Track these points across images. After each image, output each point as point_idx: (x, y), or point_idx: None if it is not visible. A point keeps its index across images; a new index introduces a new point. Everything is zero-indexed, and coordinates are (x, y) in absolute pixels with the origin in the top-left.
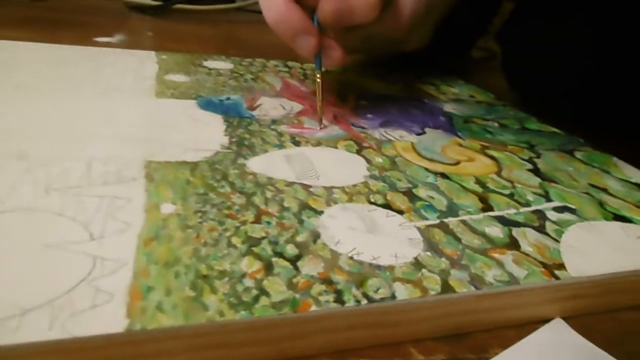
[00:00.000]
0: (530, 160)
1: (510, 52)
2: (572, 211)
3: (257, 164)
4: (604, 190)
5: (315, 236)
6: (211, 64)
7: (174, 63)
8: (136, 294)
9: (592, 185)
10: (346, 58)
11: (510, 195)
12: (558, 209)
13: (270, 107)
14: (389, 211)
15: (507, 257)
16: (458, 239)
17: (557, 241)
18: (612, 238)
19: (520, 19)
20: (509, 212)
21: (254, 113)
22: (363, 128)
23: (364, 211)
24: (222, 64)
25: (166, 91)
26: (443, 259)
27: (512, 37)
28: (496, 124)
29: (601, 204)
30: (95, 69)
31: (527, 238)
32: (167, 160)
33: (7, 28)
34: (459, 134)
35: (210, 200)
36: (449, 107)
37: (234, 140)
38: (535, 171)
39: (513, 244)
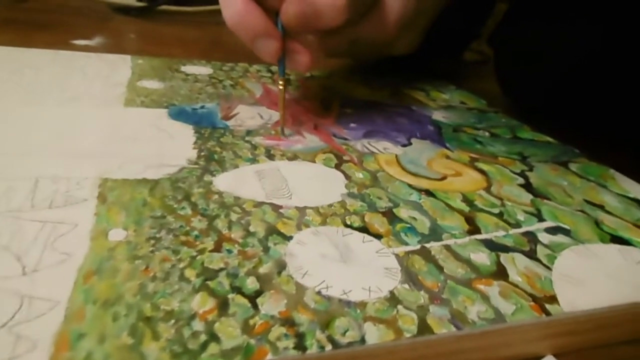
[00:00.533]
0: (522, 174)
1: (502, 55)
2: (565, 232)
3: (224, 182)
4: (601, 207)
5: (281, 267)
6: (189, 69)
7: (150, 68)
8: (63, 343)
9: (588, 202)
10: (315, 63)
11: (500, 215)
12: (551, 230)
13: (247, 116)
14: (366, 235)
15: (494, 288)
16: (440, 268)
17: (549, 268)
18: (608, 264)
19: (513, 20)
20: (497, 235)
21: (229, 123)
22: (345, 139)
23: (337, 236)
24: (201, 69)
25: (136, 99)
26: (422, 292)
27: (504, 38)
28: (487, 134)
29: (597, 224)
30: (62, 75)
31: (517, 265)
32: (124, 177)
33: None
34: (448, 145)
35: (166, 225)
36: (438, 115)
37: (202, 154)
38: (527, 186)
39: (500, 273)
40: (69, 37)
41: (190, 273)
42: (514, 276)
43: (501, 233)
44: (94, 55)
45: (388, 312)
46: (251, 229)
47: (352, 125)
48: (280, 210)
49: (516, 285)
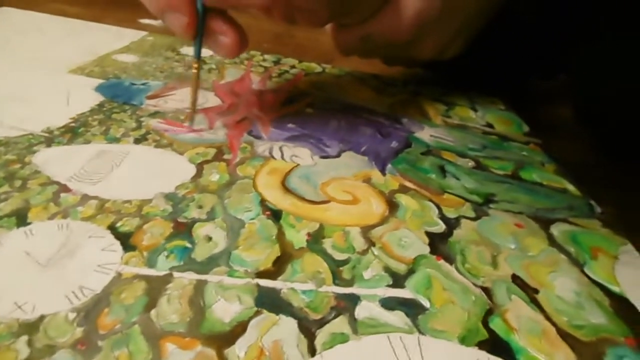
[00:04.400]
0: (450, 221)
1: (580, 76)
2: (416, 311)
3: (44, 156)
4: (534, 290)
5: None
6: (188, 50)
7: (150, 45)
8: None
9: (519, 280)
10: (241, 49)
11: (340, 262)
12: (392, 303)
13: (178, 99)
14: (105, 239)
15: (180, 352)
16: (147, 307)
17: None
18: None
19: (592, 35)
20: (298, 287)
21: (149, 102)
22: (258, 138)
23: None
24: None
25: (89, 68)
26: (77, 328)
27: (582, 56)
28: (471, 163)
29: (490, 313)
30: (54, 40)
31: (261, 336)
32: None
33: (66, 2)
34: (390, 166)
35: None
36: (425, 133)
37: (71, 124)
38: (439, 237)
39: (225, 338)
40: (138, 16)
41: None
42: (238, 351)
43: (306, 286)
44: (116, 29)
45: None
46: (1, 205)
47: (289, 125)
48: (62, 194)
49: None
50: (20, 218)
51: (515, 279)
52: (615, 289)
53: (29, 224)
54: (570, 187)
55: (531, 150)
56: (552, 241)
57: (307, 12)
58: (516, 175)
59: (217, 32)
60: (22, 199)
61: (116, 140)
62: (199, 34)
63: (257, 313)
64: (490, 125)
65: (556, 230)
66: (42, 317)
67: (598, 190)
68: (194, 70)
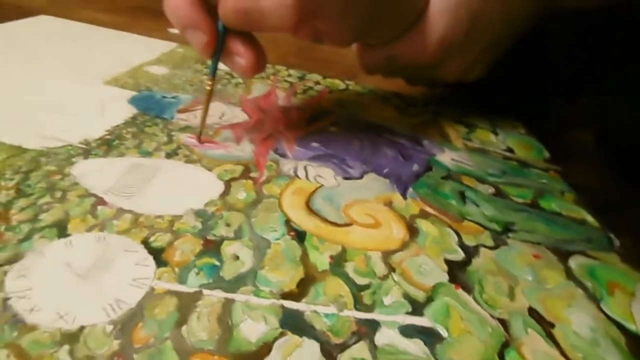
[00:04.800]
0: (469, 249)
1: (604, 96)
2: (433, 339)
3: (83, 168)
4: (550, 325)
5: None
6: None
7: (180, 57)
8: None
9: (535, 314)
10: (257, 70)
11: (361, 287)
12: (411, 331)
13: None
14: (139, 254)
15: None
16: (179, 323)
17: None
18: None
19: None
20: (320, 310)
21: (179, 116)
22: (283, 156)
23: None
24: None
25: (123, 79)
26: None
27: (609, 78)
28: (491, 190)
29: (507, 345)
30: (88, 50)
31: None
32: (4, 141)
33: (97, 10)
34: (411, 189)
35: None
36: (446, 156)
37: (107, 137)
38: (458, 266)
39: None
40: (167, 25)
41: None
42: None
43: (329, 310)
44: (146, 39)
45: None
46: (42, 216)
47: (313, 144)
48: (99, 206)
49: None
50: (61, 229)
51: (532, 312)
52: (631, 327)
53: (69, 235)
54: (589, 219)
55: (551, 177)
56: (569, 274)
57: (333, 34)
58: (535, 203)
59: (234, 53)
60: (63, 210)
61: (149, 154)
62: (217, 53)
63: (281, 334)
64: (510, 150)
65: (574, 263)
66: (82, 328)
67: (616, 220)
68: (207, 88)
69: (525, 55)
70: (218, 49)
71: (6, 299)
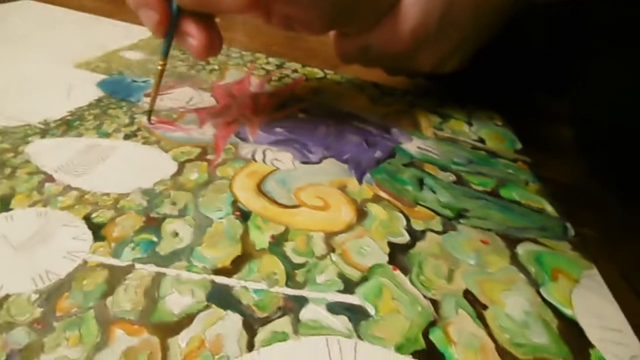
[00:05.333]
0: (416, 233)
1: (580, 96)
2: (359, 316)
3: (37, 147)
4: (483, 306)
5: None
6: None
7: (158, 44)
8: None
9: (471, 295)
10: (209, 53)
11: (297, 266)
12: (339, 308)
13: (174, 97)
14: (78, 229)
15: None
16: (104, 294)
17: None
18: None
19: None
20: (249, 285)
21: (147, 99)
22: (243, 140)
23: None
24: None
25: (95, 63)
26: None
27: (584, 78)
28: (452, 177)
29: (433, 324)
30: (67, 34)
31: (205, 328)
32: None
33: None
34: (369, 175)
35: None
36: (413, 144)
37: (68, 117)
38: (400, 248)
39: (178, 326)
40: None
41: None
42: (180, 341)
43: (259, 286)
44: (127, 25)
45: None
46: None
47: (277, 129)
48: (47, 183)
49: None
50: (4, 204)
51: (467, 294)
52: (567, 311)
53: (11, 209)
54: (549, 208)
55: (518, 168)
56: (514, 260)
57: (304, 21)
58: (495, 192)
59: (186, 34)
60: (9, 186)
61: (107, 135)
62: (170, 34)
63: (206, 307)
64: (481, 140)
65: (522, 249)
66: (7, 296)
67: (582, 214)
68: (159, 67)
69: (506, 48)
70: (171, 30)
71: None
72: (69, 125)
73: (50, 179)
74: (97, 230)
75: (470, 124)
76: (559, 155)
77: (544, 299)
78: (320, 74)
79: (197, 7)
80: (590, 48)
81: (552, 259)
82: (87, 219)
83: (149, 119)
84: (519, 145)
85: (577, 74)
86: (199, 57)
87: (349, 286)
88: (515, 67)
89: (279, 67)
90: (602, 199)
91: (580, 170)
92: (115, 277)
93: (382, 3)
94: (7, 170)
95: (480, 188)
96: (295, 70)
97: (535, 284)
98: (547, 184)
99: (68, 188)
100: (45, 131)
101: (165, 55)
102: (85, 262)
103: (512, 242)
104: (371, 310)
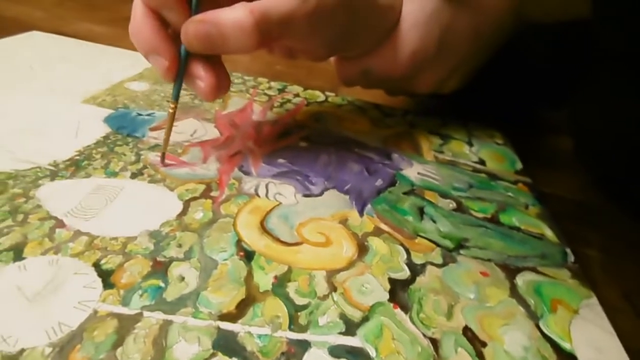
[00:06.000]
0: (416, 267)
1: (580, 109)
2: (363, 358)
3: (48, 190)
4: (482, 344)
5: None
6: None
7: None
8: None
9: (471, 334)
10: (218, 94)
11: (299, 307)
12: (340, 351)
13: (179, 130)
14: (88, 277)
15: None
16: (114, 346)
17: None
18: None
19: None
20: (253, 331)
21: (152, 134)
22: (246, 174)
23: (49, 269)
24: None
25: (100, 97)
26: None
27: (584, 91)
28: (452, 205)
29: None
30: (78, 66)
31: None
32: None
33: (93, 21)
34: (371, 206)
35: None
36: (413, 170)
37: (76, 157)
38: (400, 285)
39: None
40: None
41: None
42: None
43: (263, 331)
44: (133, 54)
45: None
46: (1, 239)
47: (280, 161)
48: (57, 229)
49: None
50: (17, 253)
51: (466, 330)
52: (566, 345)
53: (24, 258)
54: (549, 233)
55: (518, 190)
56: (513, 292)
57: (305, 51)
58: (495, 218)
59: (195, 77)
60: (21, 233)
61: (114, 174)
62: (179, 77)
63: (212, 355)
64: (482, 162)
65: (521, 280)
66: (22, 351)
67: (583, 231)
68: (170, 111)
69: (505, 63)
70: (180, 73)
71: None
72: (77, 165)
73: (61, 224)
74: (107, 278)
75: (470, 144)
76: (559, 167)
77: (543, 333)
78: (321, 97)
79: (206, 51)
80: (588, 61)
81: (552, 289)
82: (96, 265)
83: (162, 161)
84: (519, 166)
85: (576, 85)
86: (207, 98)
87: (350, 327)
88: (514, 81)
89: (281, 91)
90: (603, 214)
91: (580, 182)
92: (125, 326)
93: (380, 28)
94: (20, 217)
95: (480, 215)
96: (297, 95)
97: (535, 317)
98: (548, 200)
99: (78, 233)
100: (54, 173)
101: (176, 99)
102: (95, 311)
103: (511, 272)
104: (372, 353)
